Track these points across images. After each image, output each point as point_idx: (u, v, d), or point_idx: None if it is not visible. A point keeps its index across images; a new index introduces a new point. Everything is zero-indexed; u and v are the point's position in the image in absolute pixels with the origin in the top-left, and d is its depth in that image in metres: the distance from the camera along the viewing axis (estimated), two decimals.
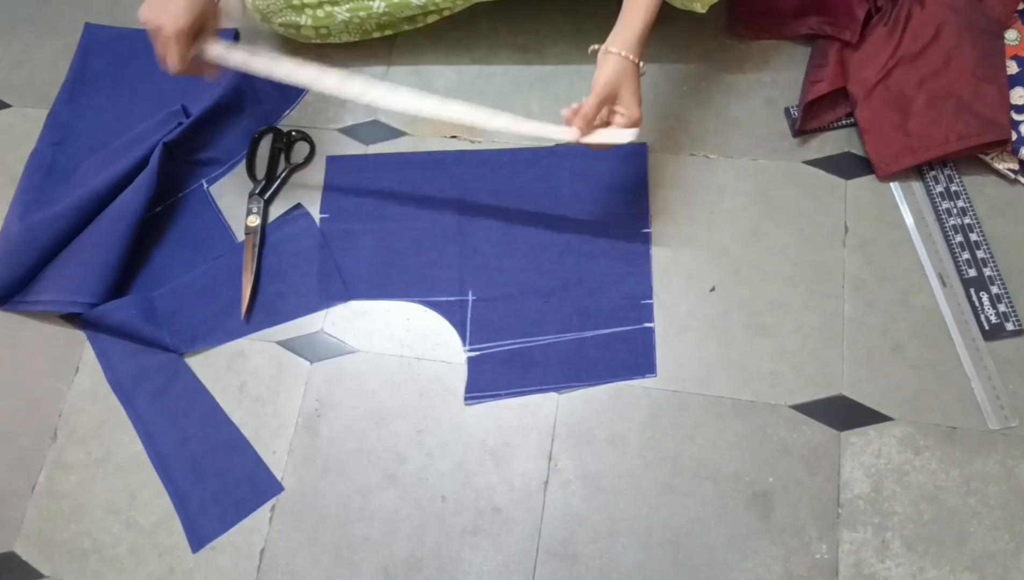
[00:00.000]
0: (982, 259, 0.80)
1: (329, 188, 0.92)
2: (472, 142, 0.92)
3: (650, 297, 0.83)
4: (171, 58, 0.74)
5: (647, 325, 0.82)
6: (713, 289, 0.82)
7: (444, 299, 0.85)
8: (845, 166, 0.85)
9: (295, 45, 0.98)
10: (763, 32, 0.92)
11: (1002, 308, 0.78)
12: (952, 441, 0.74)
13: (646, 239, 0.85)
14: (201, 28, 0.75)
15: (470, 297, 0.85)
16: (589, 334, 0.82)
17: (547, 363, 0.81)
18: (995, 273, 0.79)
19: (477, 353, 0.83)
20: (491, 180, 0.90)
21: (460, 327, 0.84)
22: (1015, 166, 0.82)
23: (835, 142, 0.87)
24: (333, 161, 0.93)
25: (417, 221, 0.89)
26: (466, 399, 0.81)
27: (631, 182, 0.88)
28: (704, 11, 0.83)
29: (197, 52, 0.76)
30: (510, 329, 0.83)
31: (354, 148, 0.94)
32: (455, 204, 0.89)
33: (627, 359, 0.81)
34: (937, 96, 0.82)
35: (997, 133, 0.79)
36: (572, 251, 0.85)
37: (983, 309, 0.78)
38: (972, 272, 0.79)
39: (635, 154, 0.88)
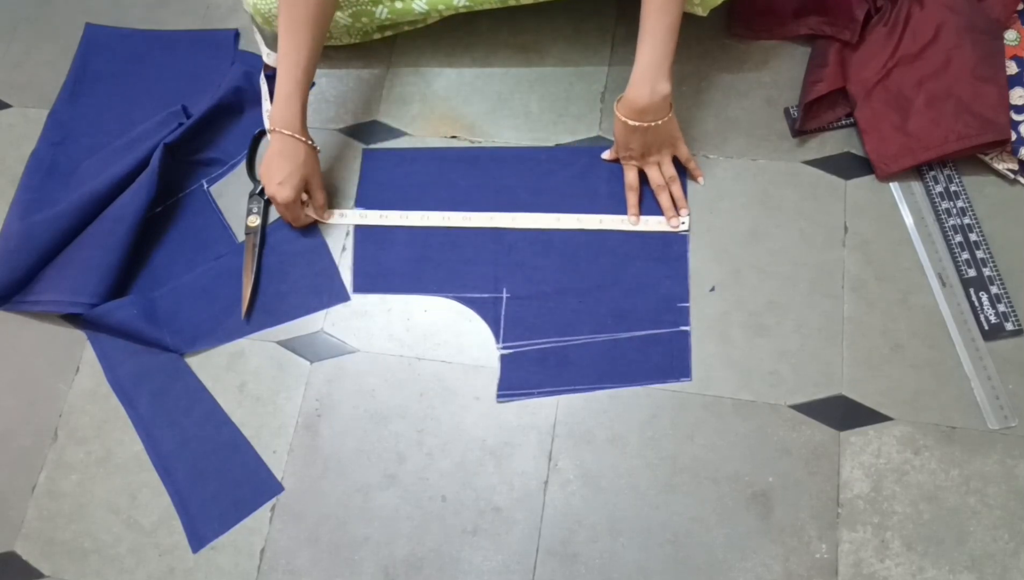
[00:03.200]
0: (981, 259, 0.80)
1: (365, 181, 0.92)
2: (471, 141, 0.92)
3: (687, 300, 0.82)
4: (291, 219, 0.89)
5: (683, 328, 0.81)
6: (713, 289, 0.82)
7: (478, 296, 0.85)
8: (845, 166, 0.85)
9: None
10: (763, 32, 0.92)
11: (1001, 308, 0.78)
12: (952, 441, 0.74)
13: (684, 242, 0.84)
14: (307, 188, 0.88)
15: (504, 294, 0.85)
16: (623, 336, 0.82)
17: (580, 363, 0.81)
18: (995, 273, 0.79)
19: (510, 351, 0.83)
20: (528, 177, 0.89)
21: (494, 324, 0.84)
22: (1014, 166, 0.82)
23: (835, 142, 0.87)
24: (369, 154, 0.93)
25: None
26: (498, 397, 0.81)
27: None
28: (705, 14, 0.84)
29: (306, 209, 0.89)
30: (544, 328, 0.83)
31: (354, 148, 0.94)
32: (491, 200, 0.89)
33: (661, 362, 0.80)
34: (937, 96, 0.82)
35: (997, 133, 0.79)
36: (608, 251, 0.85)
37: (983, 309, 0.78)
38: (972, 272, 0.79)
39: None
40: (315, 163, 0.87)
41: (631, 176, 0.85)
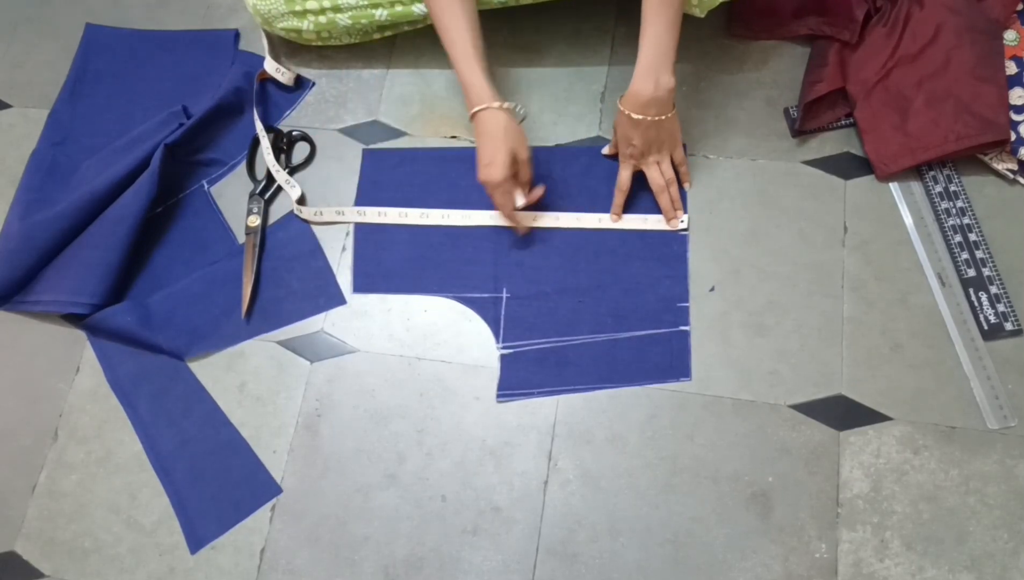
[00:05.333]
0: (981, 259, 0.80)
1: (364, 181, 0.92)
2: (471, 142, 0.92)
3: (686, 300, 0.82)
4: (503, 204, 0.83)
5: (683, 328, 0.81)
6: (713, 289, 0.82)
7: (478, 296, 0.85)
8: (844, 166, 0.86)
9: (296, 45, 0.99)
10: (762, 32, 0.92)
11: (1001, 308, 0.78)
12: (951, 441, 0.74)
13: (683, 241, 0.85)
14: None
15: (504, 294, 0.85)
16: (623, 335, 0.82)
17: (580, 363, 0.81)
18: (994, 273, 0.79)
19: (510, 351, 0.83)
20: None
21: (494, 324, 0.84)
22: (1014, 166, 0.82)
23: (834, 142, 0.87)
24: (370, 154, 0.93)
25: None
26: (498, 397, 0.81)
27: None
28: (703, 15, 0.84)
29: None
30: (544, 328, 0.83)
31: (354, 148, 0.94)
32: (491, 201, 0.89)
33: (661, 362, 0.80)
34: (936, 96, 0.82)
35: (996, 133, 0.79)
36: (608, 251, 0.85)
37: (982, 309, 0.78)
38: (971, 272, 0.79)
39: None
40: (518, 132, 0.81)
41: (625, 177, 0.84)
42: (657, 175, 0.83)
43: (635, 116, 0.79)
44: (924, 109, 0.82)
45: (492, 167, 0.79)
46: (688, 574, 0.73)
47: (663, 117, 0.79)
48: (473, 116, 0.81)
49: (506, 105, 0.80)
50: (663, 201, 0.84)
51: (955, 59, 0.82)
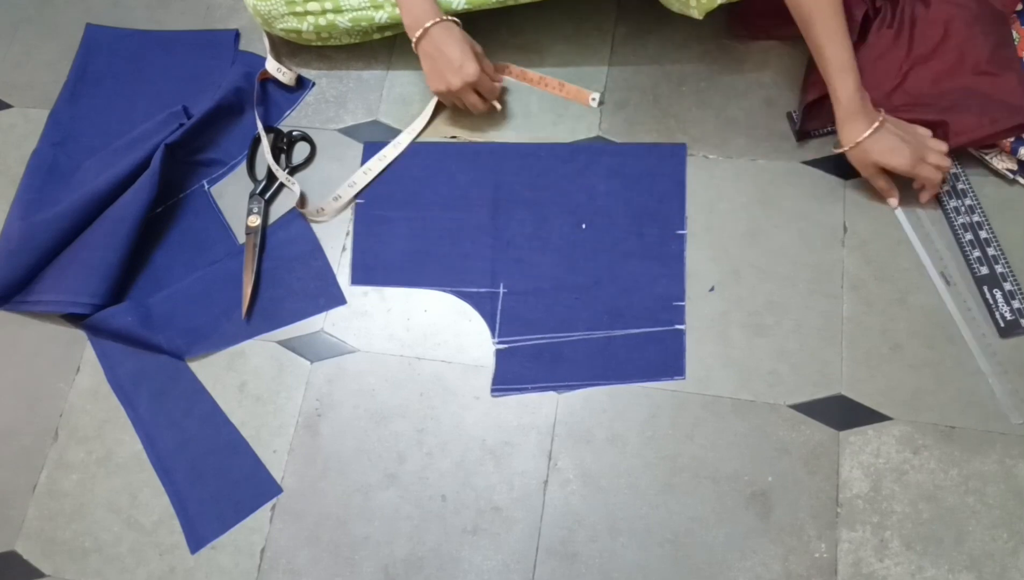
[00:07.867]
0: (993, 256, 0.79)
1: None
2: (471, 142, 0.92)
3: (682, 299, 0.82)
4: (479, 95, 0.87)
5: (678, 327, 0.81)
6: (712, 289, 0.82)
7: (476, 290, 0.85)
8: (844, 166, 0.85)
9: (296, 45, 0.99)
10: (762, 33, 0.92)
11: (1016, 304, 0.77)
12: (951, 440, 0.74)
13: (681, 240, 0.85)
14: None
15: (501, 289, 0.85)
16: (619, 333, 0.82)
17: (576, 360, 0.81)
18: (1007, 269, 0.78)
19: (506, 346, 0.83)
20: (527, 173, 0.90)
21: (490, 319, 0.84)
22: (1014, 166, 0.82)
23: (834, 142, 0.87)
24: (371, 148, 0.94)
25: (451, 211, 0.89)
26: (493, 391, 0.81)
27: (668, 182, 0.87)
28: (701, 17, 0.83)
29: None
30: (540, 324, 0.83)
31: (354, 148, 0.94)
32: (490, 196, 0.89)
33: (656, 360, 0.80)
34: (956, 91, 0.81)
35: (1021, 117, 0.78)
36: (606, 249, 0.85)
37: (997, 306, 0.77)
38: (984, 269, 0.79)
39: (673, 154, 0.88)
40: (470, 39, 0.85)
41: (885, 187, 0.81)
42: (932, 172, 0.78)
43: (871, 146, 0.77)
44: (947, 107, 0.81)
45: (465, 66, 0.83)
46: (688, 574, 0.73)
47: (879, 120, 0.77)
48: (424, 33, 0.83)
49: (455, 19, 0.84)
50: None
51: (969, 52, 0.81)
